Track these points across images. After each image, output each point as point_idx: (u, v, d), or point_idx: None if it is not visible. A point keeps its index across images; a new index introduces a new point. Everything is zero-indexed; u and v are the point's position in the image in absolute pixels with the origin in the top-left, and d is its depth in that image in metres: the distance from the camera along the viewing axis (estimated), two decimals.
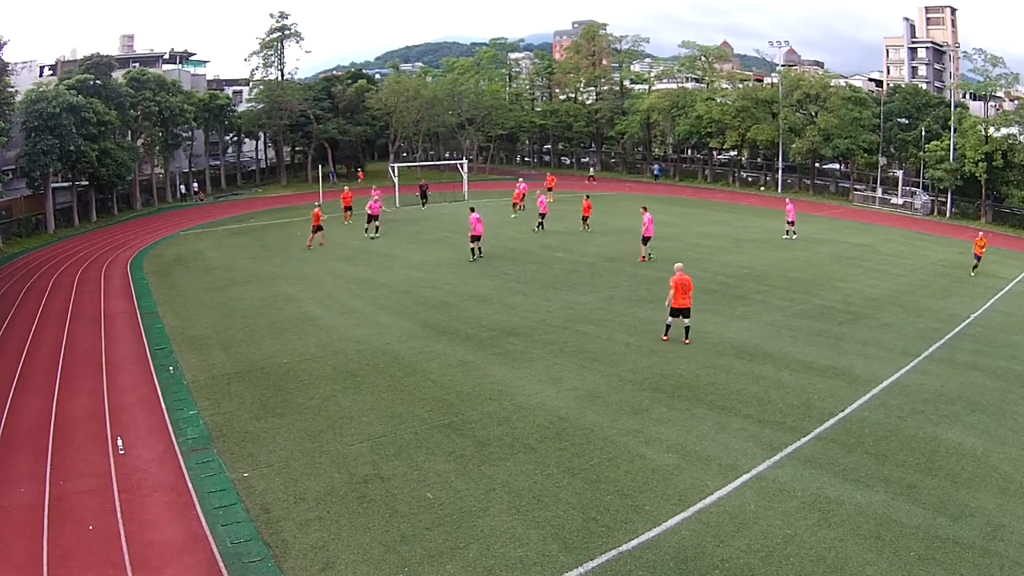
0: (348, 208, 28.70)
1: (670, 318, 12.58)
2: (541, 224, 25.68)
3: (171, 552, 6.53)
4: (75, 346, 13.35)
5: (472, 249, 20.25)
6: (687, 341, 12.50)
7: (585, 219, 25.80)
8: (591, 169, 51.65)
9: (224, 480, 7.77)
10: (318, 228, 23.08)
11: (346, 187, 31.16)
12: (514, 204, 30.36)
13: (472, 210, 20.82)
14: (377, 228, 24.53)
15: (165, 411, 9.83)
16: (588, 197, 27.00)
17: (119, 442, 8.84)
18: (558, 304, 15.34)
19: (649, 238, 20.18)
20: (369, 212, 24.75)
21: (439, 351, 12.07)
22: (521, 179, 33.39)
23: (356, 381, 10.69)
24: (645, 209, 20.57)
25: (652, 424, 9.10)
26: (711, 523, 6.85)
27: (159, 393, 10.54)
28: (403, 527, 6.80)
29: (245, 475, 7.87)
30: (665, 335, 12.67)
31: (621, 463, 8.02)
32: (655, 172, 50.51)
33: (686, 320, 12.53)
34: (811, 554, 6.35)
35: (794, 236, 25.25)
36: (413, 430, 8.95)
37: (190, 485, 7.71)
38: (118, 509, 7.22)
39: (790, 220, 25.38)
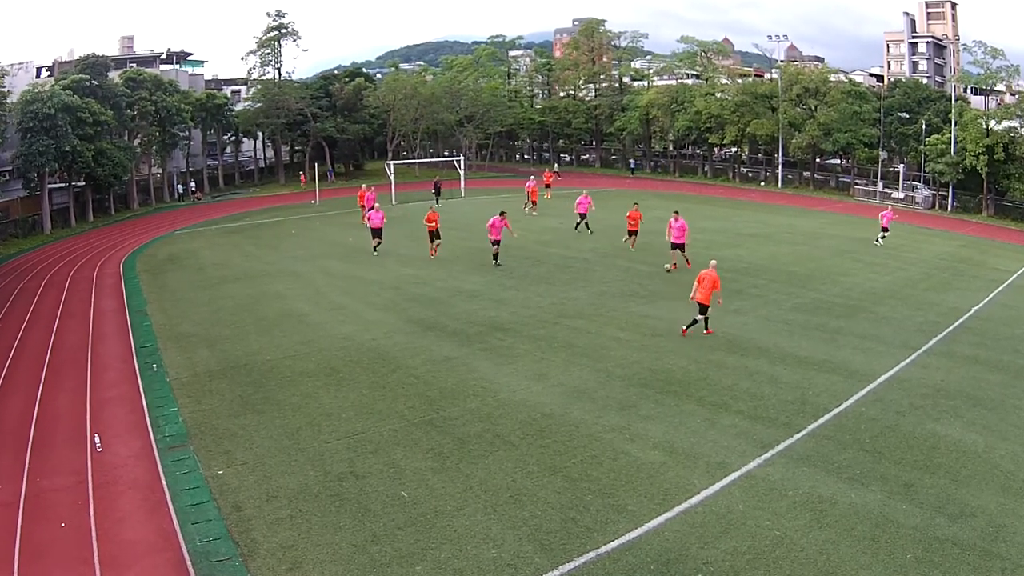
0: (364, 207, 26.68)
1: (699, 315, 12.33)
2: (585, 225, 23.10)
3: (141, 550, 6.45)
4: (63, 344, 13.31)
5: (495, 254, 18.32)
6: (686, 332, 12.28)
7: (633, 234, 20.19)
8: (554, 164, 51.46)
9: (198, 478, 7.65)
10: (435, 234, 19.79)
11: (363, 185, 29.58)
12: (534, 202, 29.01)
13: (502, 214, 18.13)
14: (379, 244, 20.66)
15: (146, 409, 9.73)
16: (637, 205, 20.88)
17: (96, 439, 8.78)
18: (549, 299, 15.06)
19: (680, 245, 17.48)
20: (371, 226, 20.77)
21: (424, 347, 11.82)
22: (532, 176, 32.16)
23: (338, 378, 10.46)
24: (677, 214, 17.76)
25: (639, 420, 8.80)
26: (696, 524, 6.55)
27: (141, 391, 10.41)
28: (375, 526, 6.58)
29: (220, 473, 7.72)
30: (707, 329, 12.41)
31: (605, 461, 7.74)
32: (631, 166, 51.59)
33: (701, 315, 12.31)
34: (801, 557, 6.04)
35: (880, 243, 23.29)
36: (392, 427, 8.70)
37: (164, 483, 7.61)
38: (91, 506, 7.16)
39: (884, 226, 23.63)
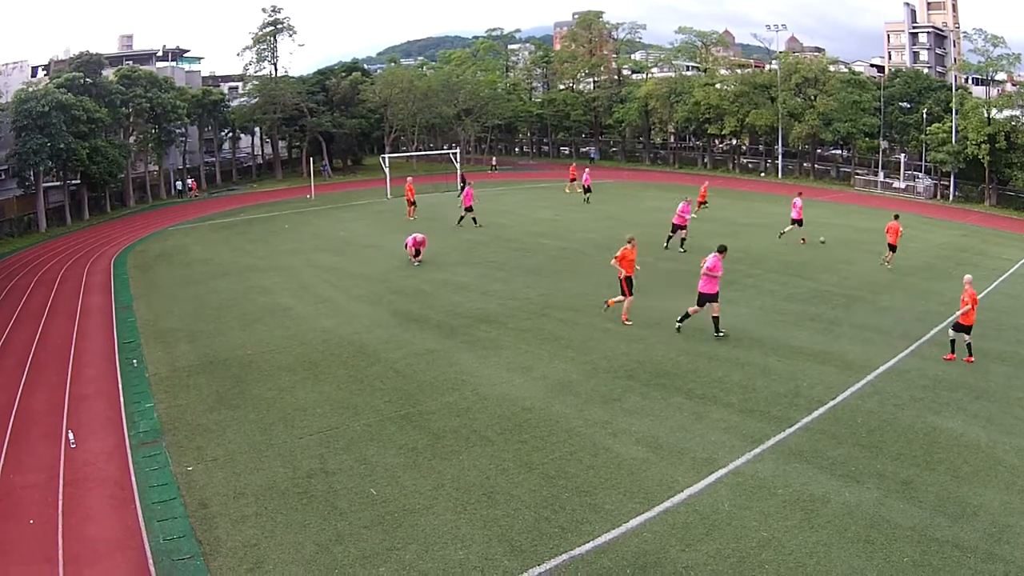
0: (412, 203, 25.09)
1: (954, 333, 10.86)
2: (682, 239, 19.05)
3: (104, 548, 6.29)
4: (47, 340, 13.15)
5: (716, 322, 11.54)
6: (952, 357, 10.82)
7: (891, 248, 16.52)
8: (493, 158, 51.16)
9: (168, 474, 7.44)
10: (628, 287, 11.93)
11: (409, 178, 27.91)
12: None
13: (722, 251, 11.42)
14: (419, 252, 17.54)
15: (122, 404, 9.50)
16: (898, 217, 17.41)
17: (70, 436, 8.60)
18: (538, 291, 14.67)
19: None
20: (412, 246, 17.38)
21: (406, 340, 11.48)
22: (587, 169, 30.90)
23: (316, 372, 10.15)
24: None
25: (622, 414, 8.42)
26: (678, 524, 6.17)
27: (119, 386, 10.20)
28: (340, 525, 6.28)
29: (189, 469, 7.49)
30: (952, 353, 10.85)
31: (584, 457, 7.35)
32: (592, 156, 51.29)
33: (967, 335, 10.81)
34: (790, 560, 5.66)
35: None
36: (366, 422, 8.37)
37: (134, 479, 7.40)
38: (60, 503, 7.00)
39: None
